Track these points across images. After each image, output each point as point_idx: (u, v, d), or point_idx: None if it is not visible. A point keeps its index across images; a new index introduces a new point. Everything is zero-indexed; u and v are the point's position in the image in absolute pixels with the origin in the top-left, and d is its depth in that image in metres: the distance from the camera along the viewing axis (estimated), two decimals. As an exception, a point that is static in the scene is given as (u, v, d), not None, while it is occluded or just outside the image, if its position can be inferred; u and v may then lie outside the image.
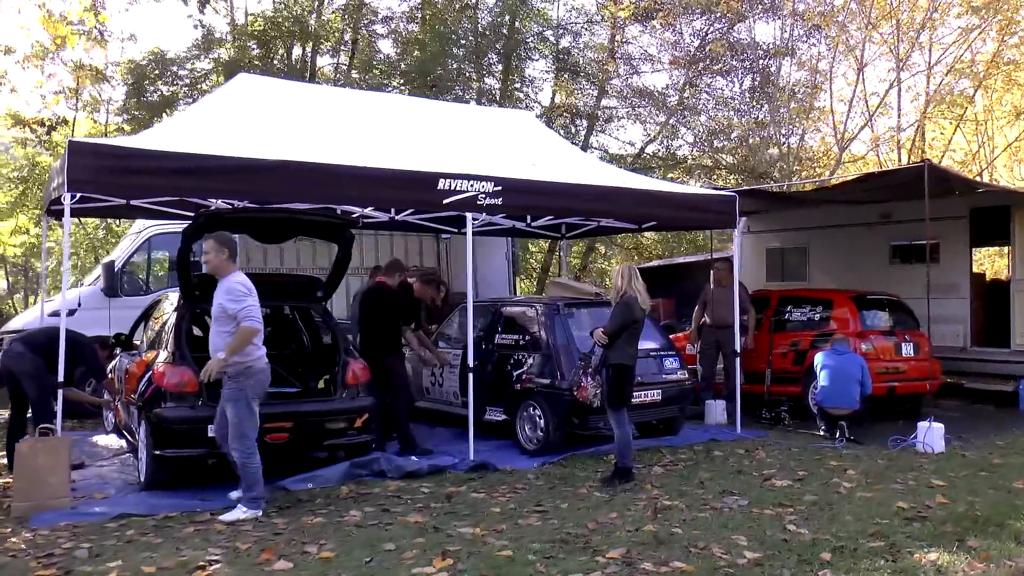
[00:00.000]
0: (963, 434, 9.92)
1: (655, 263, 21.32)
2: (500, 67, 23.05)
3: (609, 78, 23.40)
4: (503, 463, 8.28)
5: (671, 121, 23.24)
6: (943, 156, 20.40)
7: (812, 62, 20.58)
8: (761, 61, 22.08)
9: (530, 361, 8.88)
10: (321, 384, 8.23)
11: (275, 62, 18.70)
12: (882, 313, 11.14)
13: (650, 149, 24.70)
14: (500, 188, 8.38)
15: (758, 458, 8.55)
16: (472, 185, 8.25)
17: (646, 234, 27.87)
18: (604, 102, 24.17)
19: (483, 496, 7.02)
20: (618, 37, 23.61)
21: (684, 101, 22.81)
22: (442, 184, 8.14)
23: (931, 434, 8.85)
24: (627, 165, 23.88)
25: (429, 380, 10.27)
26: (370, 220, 11.34)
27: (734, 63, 21.62)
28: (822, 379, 9.75)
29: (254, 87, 9.65)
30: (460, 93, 19.47)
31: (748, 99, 21.72)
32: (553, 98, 24.95)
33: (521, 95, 23.27)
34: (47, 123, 18.64)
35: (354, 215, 11.12)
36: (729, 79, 22.79)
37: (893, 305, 11.35)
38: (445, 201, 8.19)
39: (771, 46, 21.62)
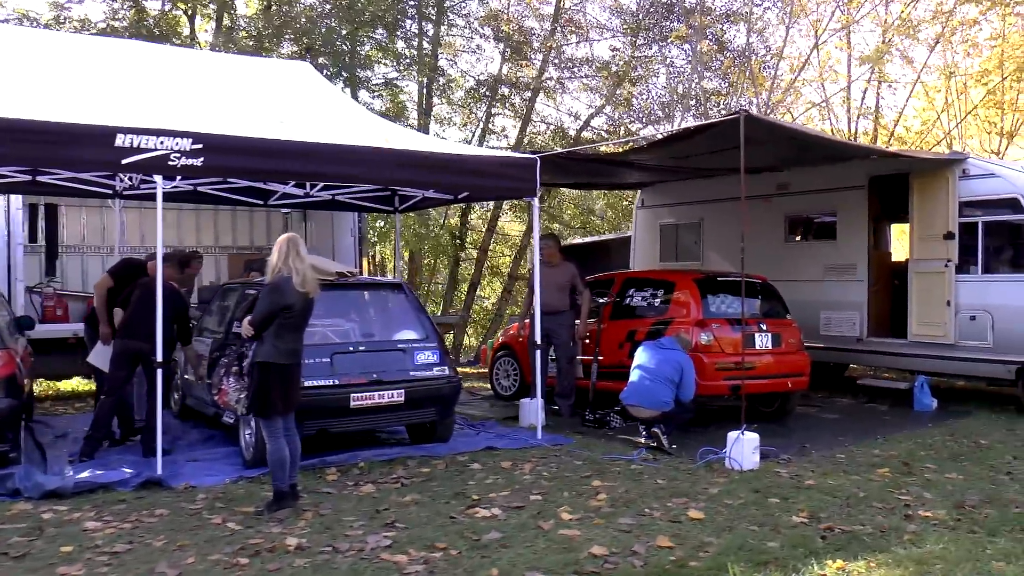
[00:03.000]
0: (810, 443, 8.28)
1: (579, 241, 19.70)
2: (419, 31, 21.11)
3: (553, 47, 21.68)
4: (199, 478, 6.82)
5: (617, 92, 21.43)
6: (896, 123, 18.42)
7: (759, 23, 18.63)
8: (716, 27, 20.29)
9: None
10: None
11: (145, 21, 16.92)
12: (734, 298, 9.39)
13: (598, 123, 22.90)
14: (200, 146, 6.82)
15: (516, 474, 6.94)
16: (162, 142, 6.72)
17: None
18: (551, 73, 22.44)
19: (92, 527, 5.49)
20: (563, 4, 21.83)
21: (629, 70, 20.99)
22: (121, 140, 6.62)
23: (739, 447, 7.20)
24: (570, 139, 22.28)
25: (193, 376, 8.86)
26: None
27: (681, 28, 19.72)
28: (632, 375, 8.15)
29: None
30: (346, 60, 17.71)
31: (699, 67, 19.81)
32: (501, 69, 23.23)
33: (446, 64, 21.53)
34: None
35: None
36: (680, 46, 21.01)
37: (753, 289, 9.62)
38: (125, 161, 6.66)
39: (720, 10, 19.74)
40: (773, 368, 9.15)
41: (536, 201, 8.35)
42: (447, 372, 7.59)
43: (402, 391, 7.25)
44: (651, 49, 21.53)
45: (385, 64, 19.83)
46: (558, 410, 9.56)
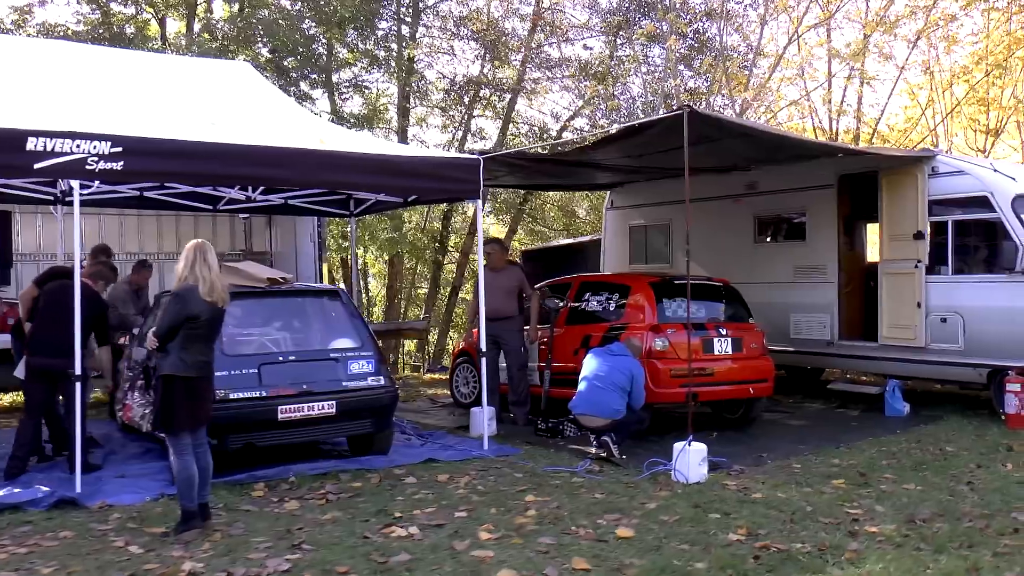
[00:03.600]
0: (768, 452, 7.97)
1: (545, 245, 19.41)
2: (398, 33, 20.80)
3: (532, 47, 21.37)
4: (118, 495, 6.49)
5: (598, 90, 21.10)
6: (878, 121, 18.09)
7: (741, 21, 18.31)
8: (694, 25, 19.98)
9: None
10: None
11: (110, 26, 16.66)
12: (692, 302, 9.06)
13: (579, 124, 22.58)
14: (120, 149, 6.53)
15: (449, 489, 6.63)
16: (78, 146, 6.44)
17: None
18: (530, 74, 22.11)
19: (-14, 551, 5.27)
20: (541, 3, 21.52)
21: (607, 70, 20.67)
22: (33, 144, 6.32)
23: (685, 459, 6.88)
24: (551, 139, 21.95)
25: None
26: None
27: (649, 26, 19.39)
28: (581, 384, 7.85)
29: None
30: (315, 63, 17.42)
31: (675, 65, 19.48)
32: (482, 69, 22.92)
33: (423, 66, 21.24)
34: None
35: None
36: (661, 46, 20.67)
37: (713, 292, 9.31)
38: (37, 166, 6.37)
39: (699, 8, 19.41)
40: (734, 374, 8.83)
41: (480, 204, 8.06)
42: (383, 382, 7.27)
43: (334, 402, 6.94)
44: (632, 49, 21.24)
45: (358, 66, 19.53)
46: (513, 418, 9.28)
